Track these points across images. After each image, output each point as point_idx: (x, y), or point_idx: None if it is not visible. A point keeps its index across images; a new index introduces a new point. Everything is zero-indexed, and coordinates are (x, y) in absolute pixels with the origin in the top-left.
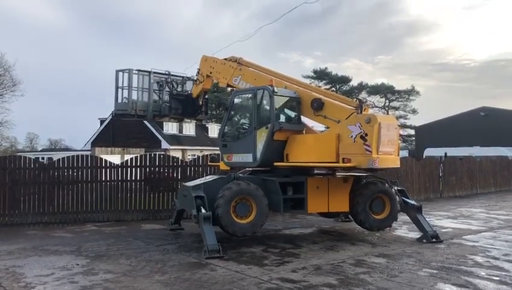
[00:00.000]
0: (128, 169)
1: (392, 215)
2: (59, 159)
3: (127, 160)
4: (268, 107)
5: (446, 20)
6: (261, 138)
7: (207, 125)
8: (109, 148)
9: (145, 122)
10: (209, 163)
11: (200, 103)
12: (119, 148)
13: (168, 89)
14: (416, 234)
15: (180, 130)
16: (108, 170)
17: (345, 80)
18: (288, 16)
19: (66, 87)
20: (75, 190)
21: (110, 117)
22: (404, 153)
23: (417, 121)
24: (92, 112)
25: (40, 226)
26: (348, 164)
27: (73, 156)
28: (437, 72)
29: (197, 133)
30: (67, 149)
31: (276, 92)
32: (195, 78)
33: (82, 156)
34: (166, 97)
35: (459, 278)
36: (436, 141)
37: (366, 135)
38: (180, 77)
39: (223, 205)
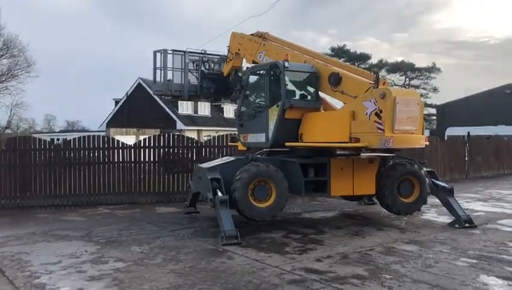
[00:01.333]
0: (142, 150)
1: (421, 198)
2: (70, 140)
3: (141, 140)
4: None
5: None
6: (273, 116)
7: (222, 106)
8: (124, 129)
9: (160, 102)
10: (229, 143)
11: (231, 81)
12: (134, 129)
13: (203, 69)
14: (446, 218)
15: (196, 111)
16: (121, 150)
17: (364, 57)
18: None
19: (82, 68)
20: (88, 171)
21: (125, 97)
22: (426, 133)
23: (438, 99)
24: (108, 92)
25: (52, 209)
26: (356, 144)
27: (84, 137)
28: (456, 50)
29: (212, 113)
30: (84, 130)
31: (287, 67)
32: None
33: (94, 136)
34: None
35: (502, 270)
36: (458, 120)
37: (381, 111)
38: (217, 55)
39: (240, 188)
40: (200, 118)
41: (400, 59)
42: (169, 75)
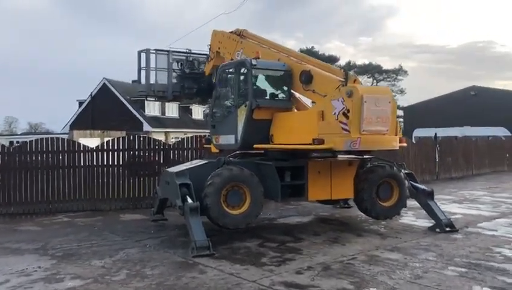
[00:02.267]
0: (105, 153)
1: (400, 202)
2: (26, 143)
3: (103, 143)
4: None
5: (426, 3)
6: (241, 117)
7: (191, 107)
8: (88, 131)
9: (126, 103)
10: (204, 145)
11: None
12: (99, 131)
13: (185, 69)
14: (426, 222)
15: (163, 112)
16: (82, 154)
17: (333, 59)
18: None
19: (46, 69)
20: (46, 176)
21: (89, 99)
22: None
23: (405, 101)
24: (73, 94)
25: (6, 218)
26: (320, 146)
27: (41, 139)
28: (417, 54)
29: (180, 115)
30: (47, 133)
31: (255, 65)
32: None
33: (52, 138)
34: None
35: (495, 279)
36: (425, 122)
37: (348, 111)
38: (203, 55)
39: (212, 194)
40: (167, 119)
41: (366, 62)
42: (153, 76)
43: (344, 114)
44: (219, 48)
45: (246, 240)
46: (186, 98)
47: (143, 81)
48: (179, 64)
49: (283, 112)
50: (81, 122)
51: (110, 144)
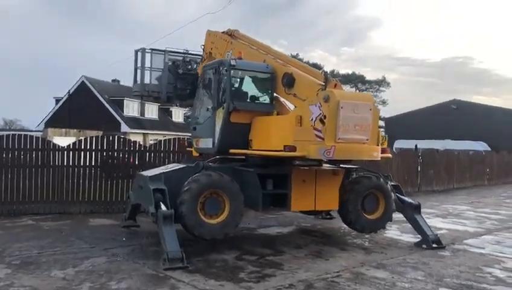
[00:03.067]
0: (76, 152)
1: (386, 215)
2: None
3: (75, 142)
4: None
5: (408, 17)
6: (219, 119)
7: (171, 109)
8: (63, 130)
9: (105, 102)
10: (186, 148)
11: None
12: (75, 130)
13: (179, 69)
14: (411, 237)
15: (142, 113)
16: (51, 152)
17: (316, 67)
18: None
19: (24, 65)
20: (10, 175)
21: (67, 96)
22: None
23: (386, 112)
24: (51, 91)
25: None
26: (291, 153)
27: (7, 136)
28: (399, 66)
29: (160, 116)
30: (22, 130)
31: (234, 65)
32: None
33: (18, 135)
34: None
35: None
36: (406, 134)
37: (325, 117)
38: (199, 55)
39: (188, 201)
40: (146, 121)
41: (350, 71)
42: (148, 76)
43: (321, 120)
44: (211, 49)
45: (223, 251)
46: (179, 99)
47: (138, 81)
48: (175, 64)
49: (262, 116)
50: (57, 120)
51: (83, 143)
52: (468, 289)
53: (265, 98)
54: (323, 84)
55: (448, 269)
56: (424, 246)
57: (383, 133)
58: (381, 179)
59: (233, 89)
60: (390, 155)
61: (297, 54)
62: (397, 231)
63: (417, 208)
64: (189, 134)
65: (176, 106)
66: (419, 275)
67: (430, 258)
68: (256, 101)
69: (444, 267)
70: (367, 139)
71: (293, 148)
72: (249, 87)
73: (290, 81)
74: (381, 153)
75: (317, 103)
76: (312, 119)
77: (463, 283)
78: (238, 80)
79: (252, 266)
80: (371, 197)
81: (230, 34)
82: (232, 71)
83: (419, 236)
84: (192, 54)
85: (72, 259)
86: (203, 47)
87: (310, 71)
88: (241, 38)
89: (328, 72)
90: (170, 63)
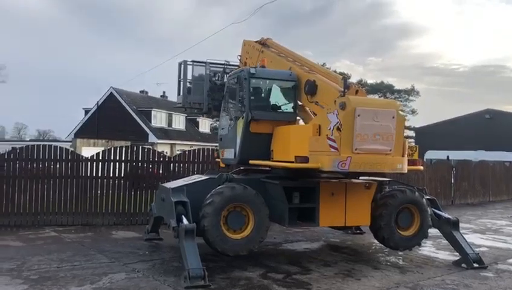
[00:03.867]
0: (100, 163)
1: (422, 231)
2: (10, 151)
3: (99, 153)
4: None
5: (436, 25)
6: (240, 130)
7: (198, 120)
8: (92, 140)
9: (132, 113)
10: (216, 159)
11: None
12: (103, 141)
13: (216, 80)
14: (448, 254)
15: (169, 124)
16: (75, 163)
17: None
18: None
19: (57, 76)
20: (35, 186)
21: (95, 107)
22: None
23: (416, 122)
24: (81, 102)
25: None
26: (302, 165)
27: (27, 147)
28: (427, 76)
29: (187, 127)
30: (54, 140)
31: (253, 74)
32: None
33: (44, 146)
34: None
35: None
36: (437, 144)
37: (342, 126)
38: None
39: (211, 215)
40: (174, 131)
41: (377, 81)
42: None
43: (338, 129)
44: (246, 58)
45: (247, 268)
46: (217, 110)
47: (180, 93)
48: (216, 75)
49: (283, 126)
50: (86, 130)
51: (106, 154)
52: None
53: (287, 107)
54: (343, 90)
55: None
56: (463, 265)
57: (413, 144)
58: (416, 193)
59: (252, 98)
60: (421, 167)
61: (324, 63)
62: (432, 247)
63: (455, 224)
64: (216, 144)
65: (210, 117)
66: None
67: (472, 279)
68: (278, 110)
69: None
70: (390, 150)
71: (305, 159)
72: (270, 96)
73: (312, 88)
74: (411, 165)
75: (334, 111)
76: (330, 128)
77: None
78: (259, 88)
79: (277, 286)
80: (406, 212)
81: (263, 42)
82: (251, 80)
83: (457, 254)
84: (232, 65)
85: (91, 275)
86: (239, 57)
87: (334, 78)
88: (273, 47)
89: (355, 81)
90: (212, 75)
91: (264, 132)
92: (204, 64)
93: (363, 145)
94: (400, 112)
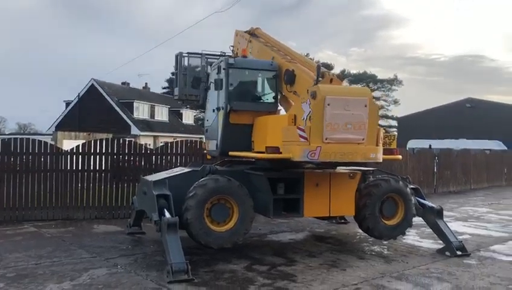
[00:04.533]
0: (80, 156)
1: (406, 220)
2: None
3: (79, 145)
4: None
5: (416, 15)
6: (221, 120)
7: (181, 111)
8: (73, 133)
9: (114, 105)
10: (204, 151)
11: None
12: (85, 133)
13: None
14: (432, 243)
15: (152, 116)
16: (55, 156)
17: (327, 67)
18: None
19: (37, 68)
20: (12, 181)
21: (76, 99)
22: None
23: (398, 112)
24: (61, 95)
25: None
26: (273, 155)
27: (4, 140)
28: (408, 66)
29: (170, 118)
30: (35, 134)
31: (232, 64)
32: None
33: (21, 139)
34: None
35: None
36: (419, 133)
37: (312, 115)
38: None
39: (194, 208)
40: (156, 123)
41: (360, 71)
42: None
43: (310, 119)
44: (237, 48)
45: (231, 261)
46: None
47: (177, 85)
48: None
49: (262, 116)
50: (67, 123)
51: (87, 147)
52: None
53: (268, 97)
54: (316, 79)
55: (477, 280)
56: (447, 253)
57: (396, 133)
58: (400, 182)
59: (231, 88)
60: (399, 157)
61: (307, 54)
62: (417, 236)
63: (439, 213)
64: (200, 136)
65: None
66: (446, 287)
67: (455, 267)
68: (258, 101)
69: (472, 278)
70: (363, 139)
71: (275, 150)
72: (250, 86)
73: (290, 77)
74: (388, 155)
75: (307, 101)
76: (304, 118)
77: None
78: (238, 79)
79: (262, 278)
80: (390, 201)
81: (252, 32)
82: (230, 70)
83: (441, 242)
84: (228, 56)
85: (71, 271)
86: (232, 48)
87: (309, 65)
88: (261, 37)
89: (338, 72)
90: (207, 66)
91: (244, 122)
92: (200, 55)
93: (333, 134)
94: (374, 100)
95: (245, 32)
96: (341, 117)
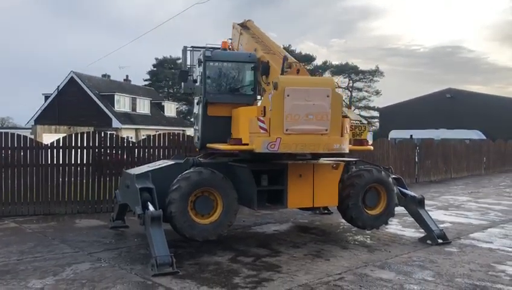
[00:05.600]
0: (60, 150)
1: (388, 210)
2: None
3: (59, 139)
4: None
5: (395, 6)
6: (201, 113)
7: (163, 104)
8: (53, 127)
9: (95, 98)
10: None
11: None
12: (65, 127)
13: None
14: (414, 231)
15: (133, 108)
16: (35, 150)
17: (309, 58)
18: None
19: (15, 61)
20: None
21: (56, 92)
22: (369, 136)
23: (380, 103)
24: (40, 88)
25: None
26: (236, 147)
27: None
28: (388, 57)
29: (152, 111)
30: (14, 127)
31: (210, 57)
32: None
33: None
34: None
35: None
36: (401, 123)
37: (272, 106)
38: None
39: (177, 201)
40: (138, 116)
41: (343, 62)
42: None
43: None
44: (233, 41)
45: (216, 253)
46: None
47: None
48: None
49: (236, 108)
50: (46, 117)
51: (67, 141)
52: None
53: (246, 89)
54: (281, 70)
55: (458, 267)
56: (429, 241)
57: (365, 123)
58: (383, 172)
59: (208, 81)
60: (370, 148)
61: (289, 45)
62: (399, 225)
63: (421, 202)
64: (183, 128)
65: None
66: (428, 275)
67: (437, 255)
68: (236, 93)
69: (453, 265)
70: (326, 130)
71: (238, 142)
72: (228, 79)
73: (265, 69)
74: (358, 145)
75: (271, 92)
76: (270, 109)
77: (476, 284)
78: (216, 71)
79: (247, 270)
80: (372, 191)
81: (244, 25)
82: (208, 63)
83: (422, 231)
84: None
85: (53, 266)
86: (230, 40)
87: (291, 59)
88: (251, 29)
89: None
90: None
91: (222, 115)
92: (202, 49)
93: (294, 125)
94: (337, 90)
95: (238, 24)
96: (302, 108)
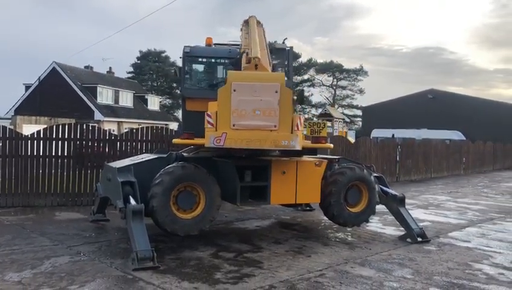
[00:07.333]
0: (41, 141)
1: (370, 208)
2: None
3: (40, 130)
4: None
5: (378, 6)
6: (182, 108)
7: (146, 97)
8: (34, 118)
9: (77, 89)
10: None
11: None
12: (46, 118)
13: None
14: (394, 229)
15: (116, 101)
16: (14, 141)
17: (294, 56)
18: None
19: None
20: None
21: (37, 83)
22: (351, 134)
23: (363, 102)
24: (21, 77)
25: None
26: (188, 141)
27: None
28: (371, 56)
29: (134, 104)
30: None
31: (188, 52)
32: None
33: None
34: None
35: None
36: (383, 122)
37: (219, 101)
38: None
39: (160, 195)
40: (121, 108)
41: (327, 60)
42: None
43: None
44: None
45: (197, 248)
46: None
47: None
48: None
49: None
50: (27, 107)
51: (48, 132)
52: (460, 289)
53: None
54: (240, 64)
55: (437, 265)
56: (408, 240)
57: (325, 121)
58: (365, 170)
59: (187, 76)
60: (330, 145)
61: (275, 41)
62: (379, 223)
63: (401, 201)
64: (166, 122)
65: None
66: (407, 272)
67: (416, 253)
68: (215, 88)
69: (431, 263)
70: (275, 126)
71: (190, 136)
72: (206, 74)
73: (237, 64)
74: (315, 143)
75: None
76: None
77: (454, 282)
78: (195, 67)
79: (228, 265)
80: (354, 189)
81: (247, 21)
82: (187, 58)
83: (402, 229)
84: (237, 45)
85: (32, 259)
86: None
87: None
88: (250, 25)
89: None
90: None
91: (200, 110)
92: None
93: (241, 121)
94: (285, 86)
95: (244, 20)
96: (249, 103)
